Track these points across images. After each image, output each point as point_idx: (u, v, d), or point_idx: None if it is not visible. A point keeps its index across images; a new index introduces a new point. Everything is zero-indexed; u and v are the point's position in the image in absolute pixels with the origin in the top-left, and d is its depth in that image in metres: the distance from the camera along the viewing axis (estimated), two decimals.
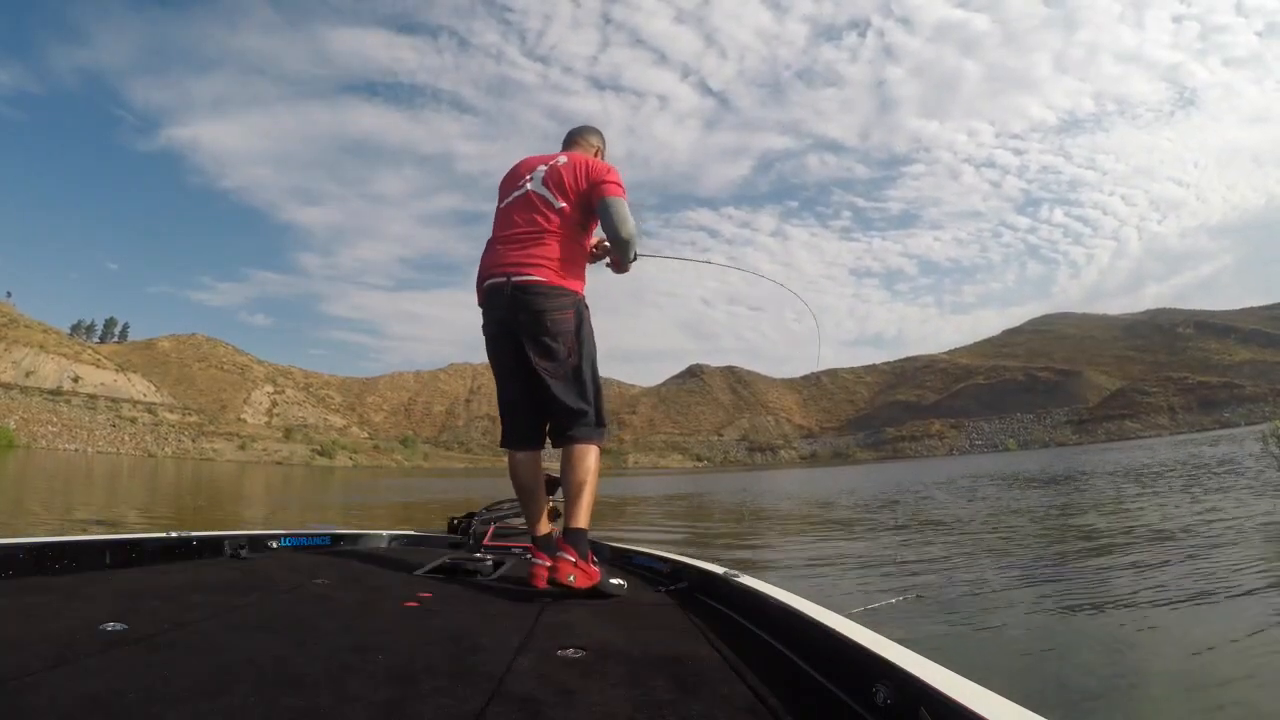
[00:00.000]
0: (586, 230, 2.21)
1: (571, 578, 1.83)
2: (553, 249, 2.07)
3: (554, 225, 2.10)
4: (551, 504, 2.98)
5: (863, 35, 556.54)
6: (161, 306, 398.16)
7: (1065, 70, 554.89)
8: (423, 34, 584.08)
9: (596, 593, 1.87)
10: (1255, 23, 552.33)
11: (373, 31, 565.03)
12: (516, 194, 2.19)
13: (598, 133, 2.46)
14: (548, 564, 1.91)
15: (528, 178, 2.19)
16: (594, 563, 1.93)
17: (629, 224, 2.11)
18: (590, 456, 2.08)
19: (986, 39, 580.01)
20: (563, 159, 2.21)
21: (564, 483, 2.10)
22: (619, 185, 2.15)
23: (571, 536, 1.94)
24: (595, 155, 2.35)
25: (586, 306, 2.16)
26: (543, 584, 1.90)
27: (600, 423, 2.13)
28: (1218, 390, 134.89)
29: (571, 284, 2.10)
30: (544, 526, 2.17)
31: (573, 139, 2.42)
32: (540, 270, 2.04)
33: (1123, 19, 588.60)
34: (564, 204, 2.11)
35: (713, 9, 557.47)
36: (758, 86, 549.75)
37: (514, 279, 2.04)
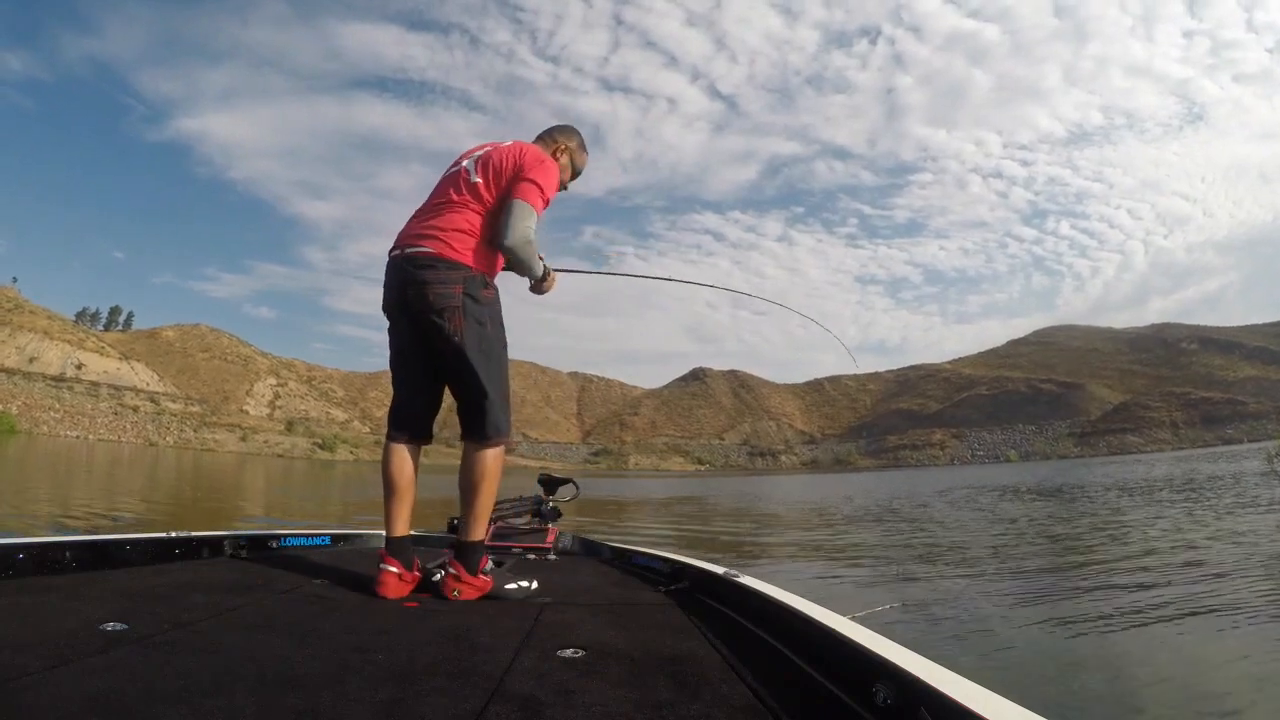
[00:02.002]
0: (497, 213, 2.02)
1: (456, 592, 1.79)
2: (451, 221, 1.94)
3: (462, 199, 1.97)
4: (552, 503, 2.99)
5: (873, 42, 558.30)
6: (166, 296, 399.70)
7: (1074, 82, 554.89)
8: (434, 31, 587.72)
9: (492, 596, 1.84)
10: (1266, 39, 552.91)
11: (384, 28, 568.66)
12: (451, 170, 2.10)
13: (570, 132, 2.29)
14: (395, 569, 1.83)
15: (469, 158, 2.08)
16: (485, 571, 1.86)
17: (518, 232, 1.91)
18: (488, 457, 1.93)
19: (996, 49, 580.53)
20: (508, 143, 2.10)
21: (459, 486, 1.94)
22: (538, 189, 1.96)
23: (465, 552, 1.84)
24: (556, 153, 2.20)
25: (486, 285, 1.96)
26: (391, 593, 1.79)
27: (499, 416, 1.95)
28: (1220, 406, 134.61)
29: (464, 258, 1.92)
30: (400, 529, 1.96)
31: (539, 135, 2.28)
32: (431, 242, 1.91)
33: (1133, 33, 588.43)
34: (479, 180, 1.99)
35: (724, 13, 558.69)
36: (767, 91, 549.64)
37: (406, 250, 1.94)
